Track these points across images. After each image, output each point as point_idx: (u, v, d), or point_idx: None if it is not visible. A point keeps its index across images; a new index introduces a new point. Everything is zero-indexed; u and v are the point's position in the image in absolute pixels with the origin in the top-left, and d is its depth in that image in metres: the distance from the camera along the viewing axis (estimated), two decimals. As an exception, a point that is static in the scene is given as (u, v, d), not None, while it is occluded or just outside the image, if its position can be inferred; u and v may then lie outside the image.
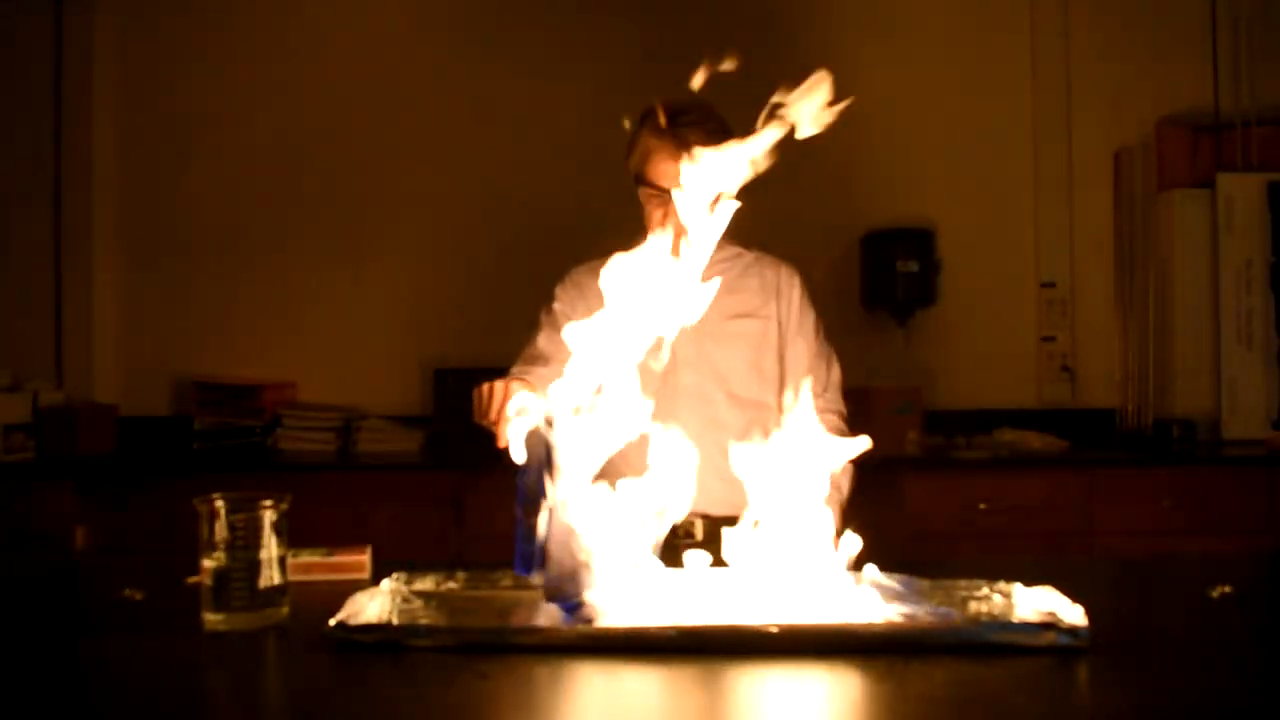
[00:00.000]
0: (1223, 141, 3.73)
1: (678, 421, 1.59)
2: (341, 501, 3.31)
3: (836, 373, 2.30)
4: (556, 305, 2.24)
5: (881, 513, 3.27)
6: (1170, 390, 3.65)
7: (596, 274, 1.77)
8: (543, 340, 2.18)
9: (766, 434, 2.15)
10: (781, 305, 2.28)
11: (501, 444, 1.66)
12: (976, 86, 3.93)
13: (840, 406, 2.26)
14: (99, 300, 4.05)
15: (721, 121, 2.14)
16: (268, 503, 1.47)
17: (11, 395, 3.65)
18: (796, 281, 2.31)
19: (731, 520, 1.56)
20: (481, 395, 1.81)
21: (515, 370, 2.11)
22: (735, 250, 2.29)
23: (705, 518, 1.98)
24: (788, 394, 2.15)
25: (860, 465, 3.35)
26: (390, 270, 4.00)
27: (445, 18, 4.04)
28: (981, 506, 3.27)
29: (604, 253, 1.70)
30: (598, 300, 1.76)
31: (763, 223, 3.81)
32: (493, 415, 1.77)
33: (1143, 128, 3.82)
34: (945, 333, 3.90)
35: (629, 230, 2.06)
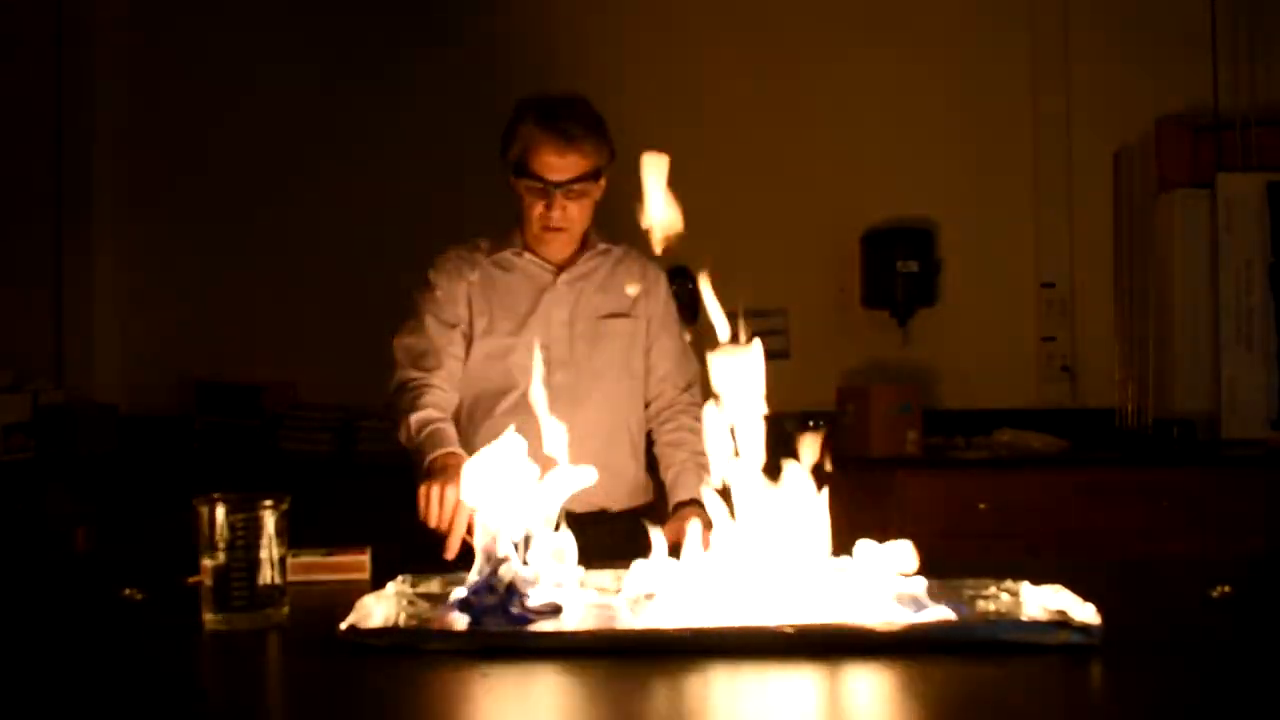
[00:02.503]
0: (1223, 141, 3.73)
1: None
2: (341, 501, 3.31)
3: (696, 366, 2.30)
4: (439, 292, 2.20)
5: (881, 513, 3.29)
6: (1170, 390, 3.65)
7: (464, 257, 2.18)
8: (431, 332, 2.16)
9: (630, 431, 2.24)
10: (651, 302, 2.29)
11: (449, 556, 1.75)
12: (976, 86, 3.93)
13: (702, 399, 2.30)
14: (99, 300, 4.05)
15: (597, 115, 2.16)
16: (268, 503, 1.47)
17: (11, 395, 3.65)
18: (662, 277, 2.33)
19: (590, 515, 1.56)
20: (430, 501, 1.83)
21: (413, 378, 2.10)
22: (604, 246, 2.28)
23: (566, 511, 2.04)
24: (653, 389, 2.28)
25: (860, 465, 3.37)
26: (391, 270, 3.99)
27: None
28: (981, 506, 3.27)
29: None
30: (473, 283, 2.14)
31: (764, 222, 3.84)
32: (444, 526, 1.81)
33: (1142, 127, 3.81)
34: (945, 333, 3.90)
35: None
